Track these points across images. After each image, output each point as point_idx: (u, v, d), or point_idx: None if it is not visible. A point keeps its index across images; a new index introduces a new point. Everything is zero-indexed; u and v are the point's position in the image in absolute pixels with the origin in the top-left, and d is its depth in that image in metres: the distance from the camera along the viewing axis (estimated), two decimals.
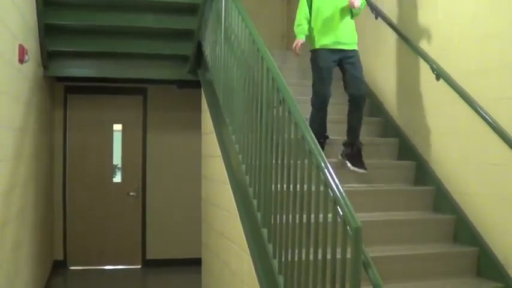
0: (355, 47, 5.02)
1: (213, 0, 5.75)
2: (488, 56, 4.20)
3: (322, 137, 4.97)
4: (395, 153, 5.35)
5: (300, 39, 4.96)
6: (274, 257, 3.66)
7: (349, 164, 4.82)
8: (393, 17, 5.59)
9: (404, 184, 5.00)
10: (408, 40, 5.21)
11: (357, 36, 5.05)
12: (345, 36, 4.96)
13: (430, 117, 4.95)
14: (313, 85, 5.01)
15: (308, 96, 5.59)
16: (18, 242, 5.09)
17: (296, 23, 5.08)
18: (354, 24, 5.07)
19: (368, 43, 5.90)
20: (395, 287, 3.56)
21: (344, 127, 4.98)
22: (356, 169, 4.78)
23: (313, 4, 5.05)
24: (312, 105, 4.99)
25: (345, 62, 4.95)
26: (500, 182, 3.99)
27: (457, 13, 4.59)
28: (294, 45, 4.98)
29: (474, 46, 4.35)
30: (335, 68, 5.03)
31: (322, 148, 4.74)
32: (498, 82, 4.07)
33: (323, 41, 4.95)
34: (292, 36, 7.73)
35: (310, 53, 5.07)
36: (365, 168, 4.79)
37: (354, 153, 4.85)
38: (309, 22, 5.05)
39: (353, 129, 4.93)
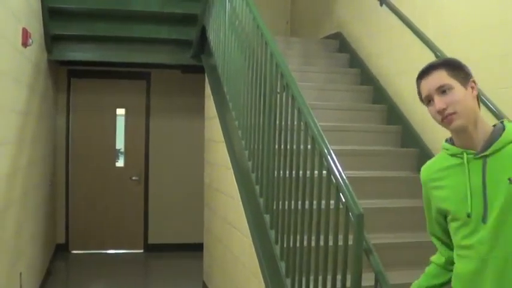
0: None
1: None
2: (491, 44, 4.17)
3: None
4: (399, 141, 5.31)
5: None
6: (276, 243, 3.67)
7: None
8: (396, 2, 5.52)
9: (408, 172, 4.95)
10: (412, 27, 5.13)
11: None
12: None
13: None
14: None
15: (312, 83, 5.57)
16: (21, 225, 5.11)
17: None
18: None
19: (372, 31, 5.87)
20: (397, 274, 3.55)
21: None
22: None
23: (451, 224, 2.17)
24: None
25: None
26: None
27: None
28: None
29: (476, 34, 4.32)
30: None
31: None
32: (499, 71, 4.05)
33: None
34: (296, 22, 7.69)
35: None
36: None
37: None
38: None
39: None
